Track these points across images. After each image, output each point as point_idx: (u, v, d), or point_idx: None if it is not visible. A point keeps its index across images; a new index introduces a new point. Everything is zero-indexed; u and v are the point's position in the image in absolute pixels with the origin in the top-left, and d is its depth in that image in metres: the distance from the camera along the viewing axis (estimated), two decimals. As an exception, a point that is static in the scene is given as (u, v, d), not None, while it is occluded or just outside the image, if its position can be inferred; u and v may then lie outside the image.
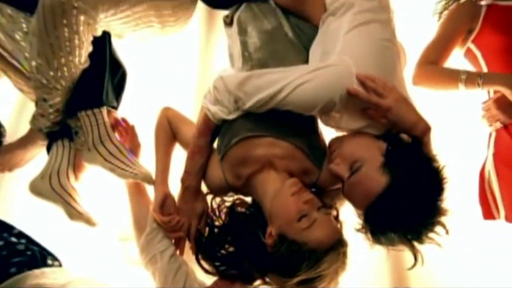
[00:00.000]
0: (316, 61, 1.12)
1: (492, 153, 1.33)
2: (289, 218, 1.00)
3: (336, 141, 1.08)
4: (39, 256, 1.06)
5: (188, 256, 1.19)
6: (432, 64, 1.36)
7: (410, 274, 1.30)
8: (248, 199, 1.19)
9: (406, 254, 1.01)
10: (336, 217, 1.12)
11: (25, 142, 1.35)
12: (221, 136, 1.14)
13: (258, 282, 1.11)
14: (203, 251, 1.15)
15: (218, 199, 1.19)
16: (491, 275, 1.32)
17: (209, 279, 1.15)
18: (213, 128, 1.13)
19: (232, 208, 1.17)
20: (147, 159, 1.29)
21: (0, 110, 1.49)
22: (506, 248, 1.33)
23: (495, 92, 1.33)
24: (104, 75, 1.27)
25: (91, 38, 1.19)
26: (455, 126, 1.47)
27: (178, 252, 1.18)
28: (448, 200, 0.96)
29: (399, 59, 1.14)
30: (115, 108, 1.35)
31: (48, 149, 1.34)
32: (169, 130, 1.25)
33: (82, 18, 1.12)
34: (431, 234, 0.95)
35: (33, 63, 1.16)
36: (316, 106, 1.00)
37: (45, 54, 1.13)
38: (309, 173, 1.12)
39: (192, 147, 1.15)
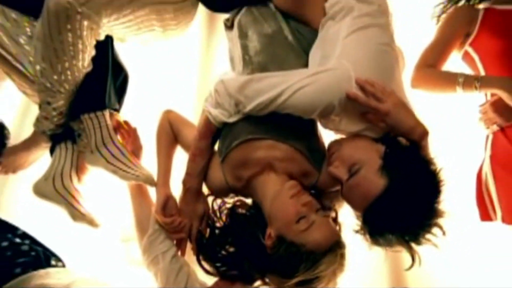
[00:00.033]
0: (316, 64, 1.13)
1: (489, 156, 1.33)
2: (287, 220, 1.01)
3: (335, 144, 1.09)
4: (43, 257, 1.07)
5: (190, 256, 1.19)
6: (430, 67, 1.36)
7: (408, 274, 1.31)
8: (249, 201, 1.19)
9: (404, 255, 1.02)
10: (335, 219, 1.13)
11: (28, 144, 1.37)
12: (222, 138, 1.15)
13: (258, 282, 1.11)
14: (204, 252, 1.16)
15: (219, 201, 1.20)
16: (488, 275, 1.32)
17: (210, 280, 1.15)
18: (214, 131, 1.14)
19: (232, 210, 1.18)
20: (149, 161, 1.30)
21: (4, 112, 1.49)
22: (503, 249, 1.33)
23: (492, 95, 1.34)
24: (106, 79, 1.28)
25: (94, 42, 1.21)
26: (453, 129, 1.47)
27: (179, 253, 1.19)
28: (446, 201, 0.97)
29: (398, 63, 1.15)
30: (117, 110, 1.36)
31: (52, 151, 1.35)
32: (171, 133, 1.26)
33: (85, 23, 1.13)
34: (428, 236, 0.96)
35: (38, 67, 1.17)
36: (315, 109, 1.01)
37: (49, 58, 1.15)
38: (309, 175, 1.12)
39: (193, 149, 1.15)
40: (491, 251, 1.35)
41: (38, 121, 1.29)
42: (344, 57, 1.05)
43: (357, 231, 1.03)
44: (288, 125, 1.08)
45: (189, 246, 1.21)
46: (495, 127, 1.33)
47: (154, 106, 1.44)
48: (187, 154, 1.20)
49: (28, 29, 1.26)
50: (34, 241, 1.14)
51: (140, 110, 1.51)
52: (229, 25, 1.35)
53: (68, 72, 1.18)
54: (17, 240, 1.10)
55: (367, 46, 1.08)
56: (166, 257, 1.14)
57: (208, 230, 1.19)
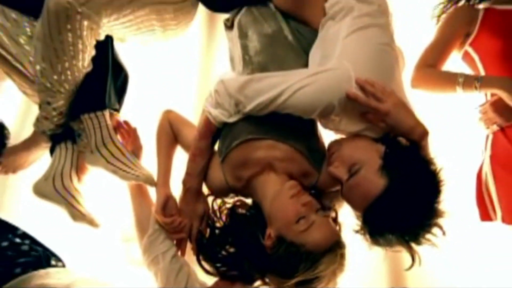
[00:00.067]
0: (316, 64, 1.13)
1: (489, 155, 1.34)
2: (287, 220, 1.01)
3: (335, 144, 1.09)
4: (43, 257, 1.08)
5: (190, 256, 1.20)
6: (431, 67, 1.36)
7: (407, 274, 1.31)
8: (249, 201, 1.19)
9: (403, 255, 1.03)
10: (335, 219, 1.13)
11: (28, 144, 1.37)
12: (222, 138, 1.15)
13: (258, 282, 1.11)
14: (204, 252, 1.16)
15: (219, 201, 1.20)
16: (488, 275, 1.32)
17: (210, 280, 1.16)
18: (214, 131, 1.14)
19: (232, 210, 1.18)
20: (149, 161, 1.30)
21: (4, 112, 1.49)
22: (503, 249, 1.34)
23: (492, 95, 1.34)
24: (106, 79, 1.28)
25: (94, 42, 1.21)
26: (453, 128, 1.47)
27: (179, 252, 1.19)
28: (446, 201, 0.97)
29: (398, 63, 1.15)
30: (117, 110, 1.37)
31: (52, 151, 1.35)
32: (171, 133, 1.26)
33: (85, 23, 1.13)
34: (428, 236, 0.96)
35: (38, 67, 1.18)
36: (315, 109, 1.01)
37: (49, 58, 1.15)
38: (309, 175, 1.13)
39: (193, 149, 1.16)
40: (491, 251, 1.35)
41: (38, 121, 1.30)
42: (344, 57, 1.05)
43: (357, 231, 1.03)
44: (288, 125, 1.09)
45: (189, 246, 1.21)
46: (495, 127, 1.33)
47: (154, 106, 1.44)
48: (187, 154, 1.20)
49: (28, 29, 1.26)
50: (34, 241, 1.14)
51: (140, 110, 1.51)
52: (229, 25, 1.35)
53: (68, 72, 1.18)
54: (17, 240, 1.11)
55: (367, 46, 1.08)
56: (166, 257, 1.14)
57: (208, 230, 1.19)
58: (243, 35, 1.26)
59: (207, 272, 1.15)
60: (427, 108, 1.29)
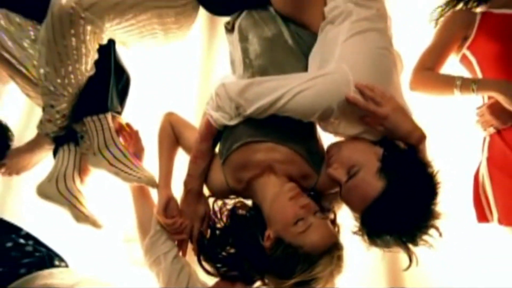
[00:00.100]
0: (315, 68, 1.14)
1: (486, 158, 1.34)
2: (285, 222, 1.02)
3: (334, 146, 1.10)
4: (47, 257, 1.08)
5: (191, 257, 1.20)
6: (429, 70, 1.37)
7: (405, 274, 1.32)
8: (249, 202, 1.20)
9: (401, 255, 1.04)
10: (334, 220, 1.14)
11: (32, 146, 1.37)
12: (223, 141, 1.16)
13: (258, 283, 1.12)
14: (205, 252, 1.17)
15: (219, 202, 1.21)
16: (484, 276, 1.33)
17: (211, 280, 1.16)
18: (215, 134, 1.15)
19: (233, 211, 1.18)
20: (150, 163, 1.31)
21: (8, 115, 1.49)
22: (499, 250, 1.34)
23: (489, 97, 1.35)
24: (109, 82, 1.29)
25: (97, 46, 1.22)
26: (450, 131, 1.48)
27: (181, 253, 1.20)
28: (443, 203, 0.98)
29: (396, 67, 1.16)
30: (120, 113, 1.37)
31: (55, 153, 1.36)
32: (172, 135, 1.27)
33: (89, 28, 1.14)
34: (425, 237, 0.97)
35: (41, 71, 1.19)
36: (314, 113, 1.02)
37: (53, 62, 1.16)
38: (308, 177, 1.14)
39: (194, 151, 1.17)
40: (488, 252, 1.36)
41: (41, 124, 1.30)
42: (343, 61, 1.06)
43: (355, 232, 1.04)
44: (287, 128, 1.09)
45: (190, 246, 1.22)
46: (492, 130, 1.34)
47: (156, 108, 1.45)
48: (188, 156, 1.21)
49: (31, 33, 1.27)
50: (37, 242, 1.14)
51: (142, 112, 1.52)
52: (229, 29, 1.36)
53: (72, 76, 1.19)
54: (21, 241, 1.11)
55: (366, 50, 1.09)
56: (168, 257, 1.15)
57: (209, 231, 1.20)
58: (243, 39, 1.27)
59: (208, 272, 1.16)
60: (425, 110, 1.30)
